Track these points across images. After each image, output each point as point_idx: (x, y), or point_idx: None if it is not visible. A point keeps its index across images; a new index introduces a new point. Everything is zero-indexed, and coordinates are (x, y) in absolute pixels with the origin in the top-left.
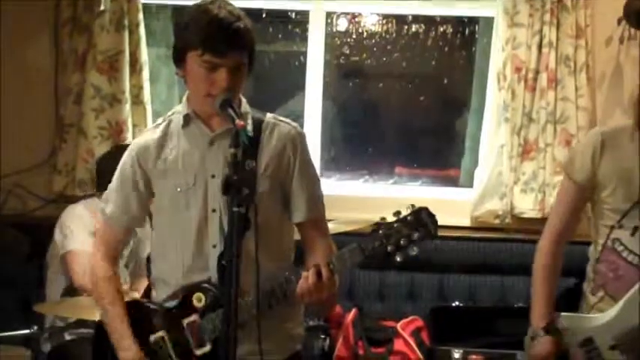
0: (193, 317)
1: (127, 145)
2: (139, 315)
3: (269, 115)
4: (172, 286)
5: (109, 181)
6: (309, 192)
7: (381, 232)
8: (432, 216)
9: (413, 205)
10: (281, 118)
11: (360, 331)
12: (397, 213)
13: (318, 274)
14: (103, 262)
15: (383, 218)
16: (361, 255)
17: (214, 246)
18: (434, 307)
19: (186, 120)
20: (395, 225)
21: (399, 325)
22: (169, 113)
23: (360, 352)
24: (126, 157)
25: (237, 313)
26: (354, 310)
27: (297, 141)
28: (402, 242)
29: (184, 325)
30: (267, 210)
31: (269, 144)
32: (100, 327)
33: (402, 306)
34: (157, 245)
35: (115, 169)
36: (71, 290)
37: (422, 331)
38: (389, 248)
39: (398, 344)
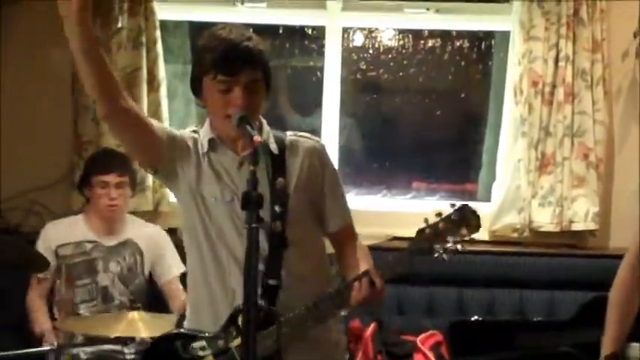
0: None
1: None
2: (183, 343)
3: (289, 133)
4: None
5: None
6: (341, 200)
7: (427, 231)
8: (474, 212)
9: (454, 204)
10: (300, 134)
11: (379, 345)
12: (439, 214)
13: (371, 282)
14: None
15: (426, 220)
16: (410, 257)
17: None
18: (453, 321)
19: (212, 145)
20: (440, 225)
21: (418, 340)
22: (192, 130)
23: None
24: (186, 132)
25: (253, 328)
26: (373, 324)
27: (322, 153)
28: (448, 240)
29: (233, 347)
30: (302, 225)
31: (295, 160)
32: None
33: (422, 320)
34: (192, 252)
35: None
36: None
37: (441, 346)
38: (436, 247)
39: (417, 358)
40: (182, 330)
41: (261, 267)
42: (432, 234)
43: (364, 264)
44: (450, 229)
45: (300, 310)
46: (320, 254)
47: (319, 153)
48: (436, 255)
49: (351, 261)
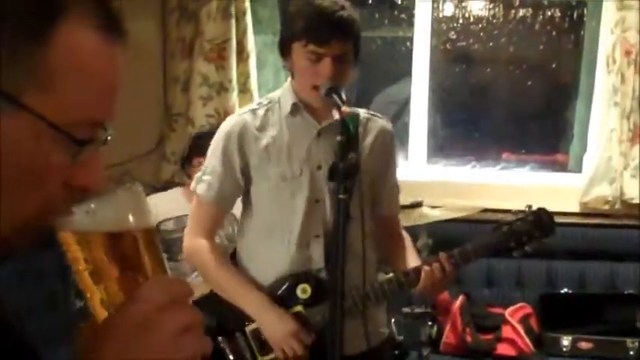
0: (298, 308)
1: None
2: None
3: (362, 111)
4: (275, 276)
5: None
6: (397, 187)
7: (504, 229)
8: (550, 216)
9: (530, 206)
10: (372, 113)
11: (467, 318)
12: (517, 213)
13: (442, 269)
14: (196, 239)
15: (499, 221)
16: (484, 251)
17: (317, 236)
18: (543, 293)
19: (294, 109)
20: (517, 223)
21: (507, 312)
22: (266, 101)
23: (468, 338)
24: (224, 137)
25: (342, 302)
26: (461, 297)
27: (393, 136)
28: (523, 239)
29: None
30: (367, 203)
31: (366, 138)
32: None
33: (511, 293)
34: (259, 232)
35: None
36: None
37: (530, 318)
38: (510, 244)
39: (506, 331)
40: None
41: (322, 238)
42: (508, 232)
43: (411, 254)
44: (524, 229)
45: (364, 288)
46: (373, 235)
47: (391, 136)
48: (508, 249)
49: (398, 250)
